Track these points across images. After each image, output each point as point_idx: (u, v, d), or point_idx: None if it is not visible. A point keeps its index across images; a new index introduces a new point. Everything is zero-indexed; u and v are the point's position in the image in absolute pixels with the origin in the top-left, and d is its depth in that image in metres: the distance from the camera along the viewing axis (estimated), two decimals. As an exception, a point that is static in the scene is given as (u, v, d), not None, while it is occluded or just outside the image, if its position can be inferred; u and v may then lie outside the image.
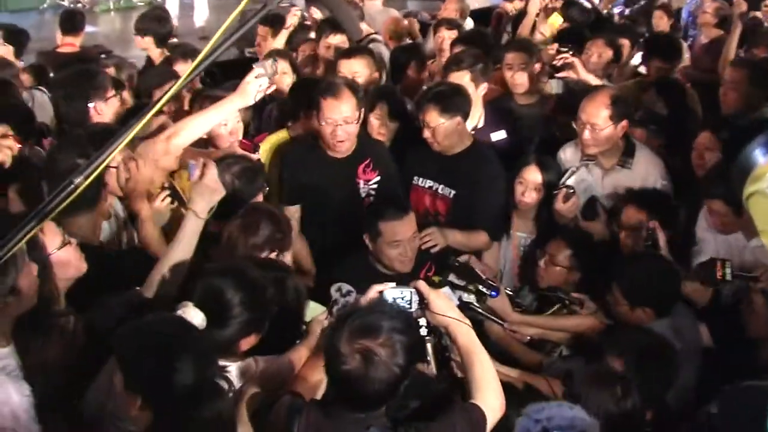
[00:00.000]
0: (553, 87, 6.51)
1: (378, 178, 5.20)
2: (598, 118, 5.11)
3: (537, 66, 6.27)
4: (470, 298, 3.72)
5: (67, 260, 3.49)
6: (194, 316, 3.03)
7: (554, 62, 6.16)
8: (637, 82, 6.87)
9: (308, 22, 7.94)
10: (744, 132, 4.93)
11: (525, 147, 5.97)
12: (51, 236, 3.43)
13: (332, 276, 4.49)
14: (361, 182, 5.18)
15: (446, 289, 3.61)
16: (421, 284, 3.28)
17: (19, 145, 3.47)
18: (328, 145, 5.05)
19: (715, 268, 4.35)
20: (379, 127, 5.62)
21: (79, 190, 2.10)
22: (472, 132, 5.53)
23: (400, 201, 4.85)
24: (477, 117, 5.76)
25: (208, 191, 3.86)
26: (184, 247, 3.76)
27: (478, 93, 5.75)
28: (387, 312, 2.94)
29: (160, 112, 4.87)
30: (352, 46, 7.00)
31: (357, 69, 6.10)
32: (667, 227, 4.66)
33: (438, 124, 5.07)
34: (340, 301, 4.25)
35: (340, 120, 4.92)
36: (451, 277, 3.78)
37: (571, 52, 6.18)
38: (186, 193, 4.68)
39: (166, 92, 2.25)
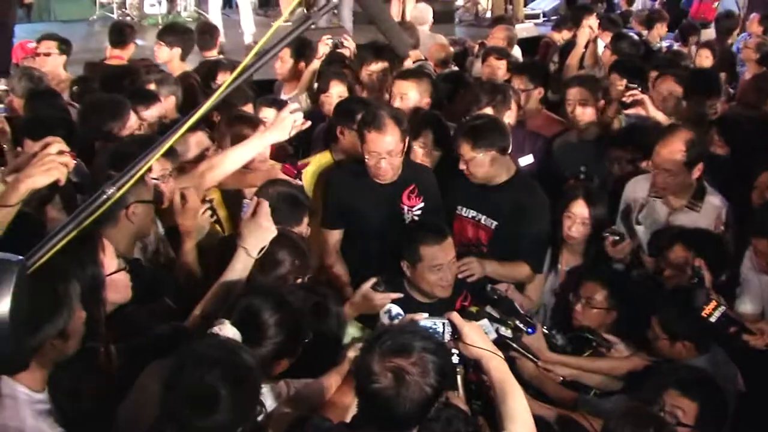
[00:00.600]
0: (622, 123, 6.44)
1: (422, 204, 5.15)
2: (673, 164, 4.97)
3: (601, 102, 6.23)
4: (507, 332, 3.64)
5: (118, 286, 3.47)
6: (229, 332, 3.02)
7: (623, 99, 6.09)
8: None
9: (341, 50, 7.81)
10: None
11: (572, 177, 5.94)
12: (110, 259, 3.44)
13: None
14: (405, 208, 5.14)
15: (484, 321, 3.54)
16: (455, 316, 3.26)
17: (75, 162, 3.44)
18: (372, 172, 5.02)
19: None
20: (424, 156, 5.59)
21: (111, 200, 2.07)
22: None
23: (440, 225, 4.75)
24: None
25: (259, 230, 3.76)
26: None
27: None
28: (419, 332, 2.92)
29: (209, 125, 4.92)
30: (412, 68, 7.00)
31: (407, 91, 6.12)
32: (714, 269, 4.49)
33: (471, 158, 5.01)
34: (386, 325, 4.19)
35: (384, 153, 4.89)
36: (489, 309, 3.71)
37: (639, 89, 6.11)
38: (219, 207, 4.84)
39: (200, 107, 2.22)
